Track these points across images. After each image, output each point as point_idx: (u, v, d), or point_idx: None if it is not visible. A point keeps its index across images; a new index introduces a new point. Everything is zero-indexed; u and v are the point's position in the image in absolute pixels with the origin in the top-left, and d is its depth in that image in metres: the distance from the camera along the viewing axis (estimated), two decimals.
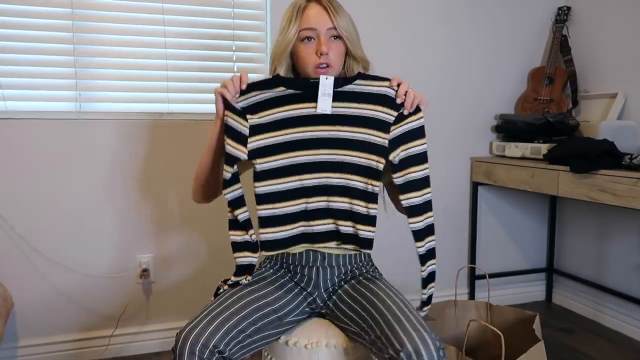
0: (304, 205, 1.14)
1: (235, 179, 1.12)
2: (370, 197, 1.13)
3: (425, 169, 1.13)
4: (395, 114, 1.13)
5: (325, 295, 1.24)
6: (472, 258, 2.42)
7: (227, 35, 1.99)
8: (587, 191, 1.78)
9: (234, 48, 2.00)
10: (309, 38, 1.17)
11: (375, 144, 1.12)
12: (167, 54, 1.92)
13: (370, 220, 1.13)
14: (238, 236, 1.14)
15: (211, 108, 2.02)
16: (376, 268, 1.30)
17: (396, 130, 1.12)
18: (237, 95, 1.13)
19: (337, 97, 1.13)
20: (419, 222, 1.13)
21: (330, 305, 1.22)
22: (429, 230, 1.14)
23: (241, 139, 1.11)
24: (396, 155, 1.12)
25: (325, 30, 1.16)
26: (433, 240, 1.15)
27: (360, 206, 1.13)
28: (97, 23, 1.84)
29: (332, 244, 1.17)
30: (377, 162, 1.12)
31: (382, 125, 1.12)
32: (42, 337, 1.86)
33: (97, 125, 1.85)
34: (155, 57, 1.91)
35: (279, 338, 1.16)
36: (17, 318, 1.82)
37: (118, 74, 1.88)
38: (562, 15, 2.36)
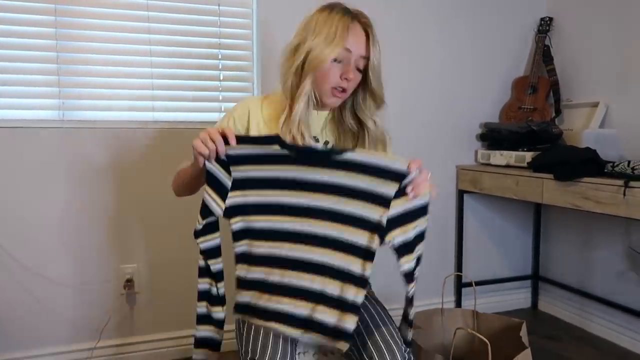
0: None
1: (211, 228, 1.05)
2: (362, 283, 0.98)
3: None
4: (397, 187, 0.99)
5: None
6: (459, 266, 2.43)
7: (213, 43, 1.98)
8: (571, 199, 1.80)
9: (220, 57, 2.00)
10: (338, 60, 1.10)
11: (370, 221, 0.99)
12: (152, 62, 1.91)
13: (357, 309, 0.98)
14: (205, 285, 1.12)
15: (195, 117, 2.02)
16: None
17: (397, 208, 0.99)
18: (218, 155, 1.00)
19: (336, 165, 1.00)
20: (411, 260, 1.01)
21: None
22: (418, 262, 1.02)
23: (222, 192, 1.02)
24: (392, 238, 0.99)
25: (358, 56, 1.12)
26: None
27: (350, 293, 0.97)
28: (81, 31, 1.82)
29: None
30: (370, 241, 0.99)
31: (381, 200, 0.99)
32: (22, 351, 1.81)
33: (81, 134, 1.83)
34: (141, 65, 1.90)
35: None
36: None
37: (102, 82, 1.86)
38: (545, 26, 2.40)
